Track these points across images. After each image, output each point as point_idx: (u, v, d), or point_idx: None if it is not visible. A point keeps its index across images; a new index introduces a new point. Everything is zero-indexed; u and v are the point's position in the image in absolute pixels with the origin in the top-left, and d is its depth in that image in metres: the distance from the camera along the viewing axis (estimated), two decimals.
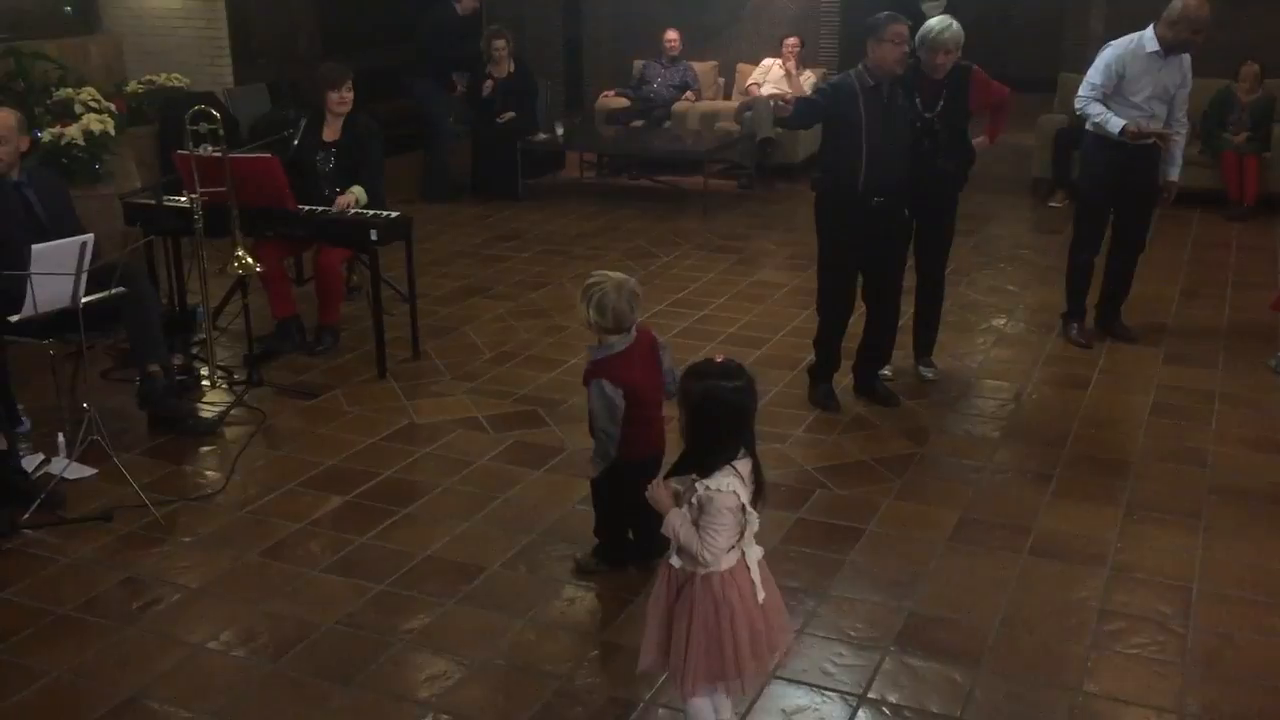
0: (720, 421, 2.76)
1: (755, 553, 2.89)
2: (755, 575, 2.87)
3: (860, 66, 4.90)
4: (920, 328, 5.72)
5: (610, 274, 3.60)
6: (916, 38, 5.04)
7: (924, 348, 5.72)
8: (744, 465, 2.79)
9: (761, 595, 2.87)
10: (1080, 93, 5.82)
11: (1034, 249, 8.16)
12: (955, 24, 5.08)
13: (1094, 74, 5.76)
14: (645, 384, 3.66)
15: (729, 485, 2.73)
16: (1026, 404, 5.41)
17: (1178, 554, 4.04)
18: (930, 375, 5.65)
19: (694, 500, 2.77)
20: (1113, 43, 5.78)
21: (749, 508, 2.78)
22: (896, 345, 5.57)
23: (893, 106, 4.93)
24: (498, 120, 9.70)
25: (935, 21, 5.09)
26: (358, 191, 5.87)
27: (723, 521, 2.73)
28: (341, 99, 6.15)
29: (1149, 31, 5.65)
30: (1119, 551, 4.06)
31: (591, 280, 3.58)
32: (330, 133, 6.22)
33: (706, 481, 2.75)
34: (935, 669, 3.41)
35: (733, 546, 2.81)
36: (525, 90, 9.89)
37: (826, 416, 5.23)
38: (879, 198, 4.96)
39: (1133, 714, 3.22)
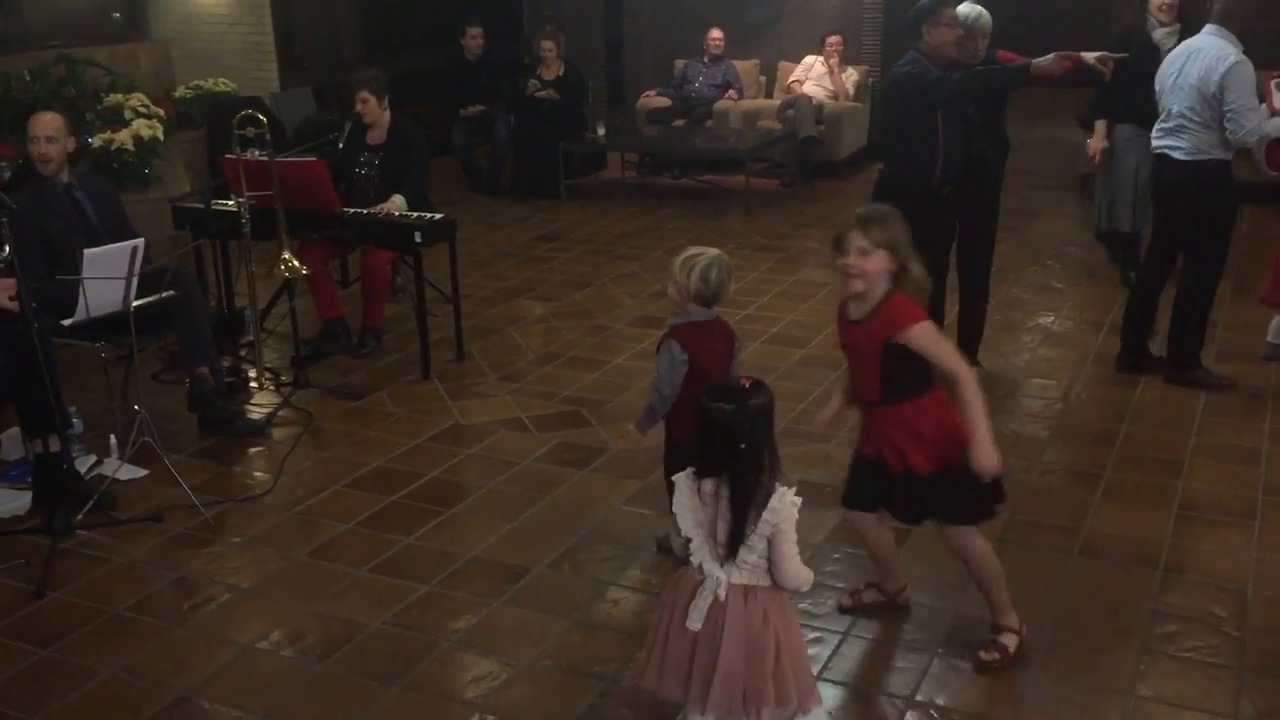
0: (705, 434, 2.78)
1: (715, 579, 2.76)
2: (700, 599, 2.76)
3: (914, 54, 4.87)
4: (965, 327, 5.66)
5: (707, 249, 3.72)
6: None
7: (969, 348, 5.66)
8: (710, 486, 2.74)
9: (693, 623, 2.76)
10: (1254, 119, 4.99)
11: (1081, 246, 8.06)
12: (985, 11, 5.12)
13: (1249, 93, 5.03)
14: (711, 363, 3.68)
15: (680, 481, 2.79)
16: (1075, 403, 5.35)
17: (1231, 555, 3.98)
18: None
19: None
20: (1240, 53, 5.05)
21: (691, 529, 2.76)
22: None
23: None
24: (535, 96, 9.84)
25: (969, 9, 5.10)
26: (398, 201, 5.93)
27: (678, 503, 2.79)
28: (360, 109, 6.23)
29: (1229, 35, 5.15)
30: (1171, 552, 4.00)
31: (692, 252, 3.69)
32: (375, 137, 6.29)
33: (693, 469, 2.80)
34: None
35: (686, 562, 2.81)
36: (575, 88, 9.95)
37: None
38: (948, 187, 4.96)
39: (1187, 718, 3.17)
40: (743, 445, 2.70)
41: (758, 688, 2.76)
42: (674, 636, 2.81)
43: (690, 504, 2.77)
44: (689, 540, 2.78)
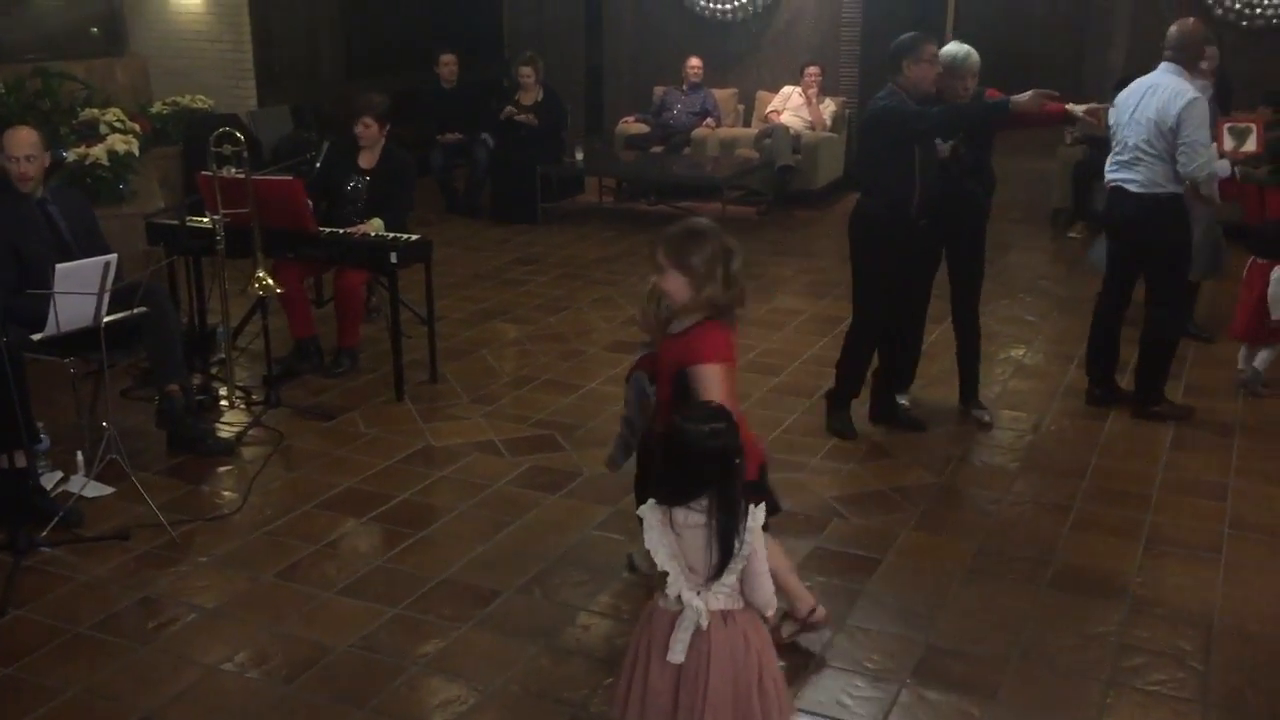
0: (690, 460, 2.72)
1: (695, 609, 2.70)
2: (681, 631, 2.71)
3: (892, 88, 4.90)
4: (964, 368, 5.54)
5: None
6: (942, 65, 5.03)
7: (970, 390, 5.54)
8: (684, 515, 2.69)
9: (676, 656, 2.71)
10: (1205, 154, 5.08)
11: (1053, 279, 8.14)
12: (974, 50, 5.13)
13: (1204, 129, 5.11)
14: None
15: (649, 515, 2.72)
16: (1045, 435, 5.39)
17: (1198, 589, 4.01)
18: (987, 419, 5.46)
19: None
20: (1198, 93, 5.16)
21: (667, 561, 2.71)
22: (916, 374, 5.57)
23: None
24: (513, 120, 9.86)
25: (956, 48, 5.11)
26: (376, 224, 5.94)
27: (650, 538, 2.72)
28: (360, 133, 6.26)
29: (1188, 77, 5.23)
30: (1138, 585, 4.03)
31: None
32: (367, 160, 6.32)
33: (655, 500, 2.74)
34: (952, 702, 3.38)
35: (662, 594, 2.75)
36: (553, 114, 9.98)
37: (844, 445, 5.21)
38: (924, 219, 5.00)
39: None
40: (737, 461, 2.69)
41: (744, 711, 2.74)
42: (654, 674, 2.75)
43: (664, 536, 2.72)
44: (665, 574, 2.74)
